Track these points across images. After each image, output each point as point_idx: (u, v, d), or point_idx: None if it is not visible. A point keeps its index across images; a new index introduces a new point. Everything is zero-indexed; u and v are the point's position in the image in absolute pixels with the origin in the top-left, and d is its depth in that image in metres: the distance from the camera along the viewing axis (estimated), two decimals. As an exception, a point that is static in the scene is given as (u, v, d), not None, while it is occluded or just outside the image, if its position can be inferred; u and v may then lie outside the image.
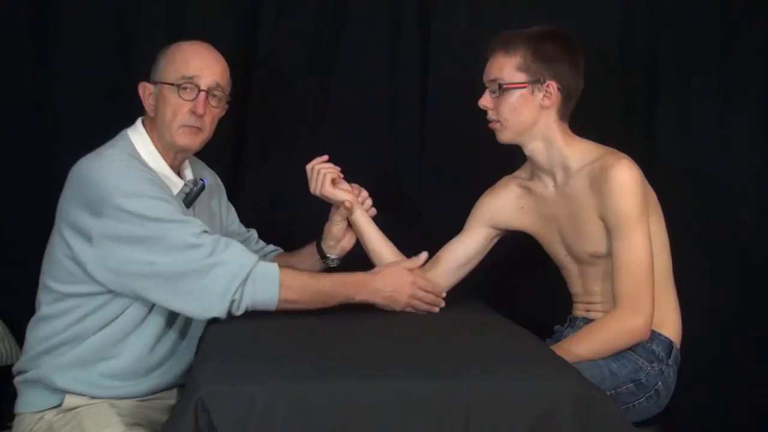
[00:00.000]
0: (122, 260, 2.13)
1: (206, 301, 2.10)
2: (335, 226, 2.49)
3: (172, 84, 2.28)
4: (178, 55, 2.32)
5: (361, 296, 2.24)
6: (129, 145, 2.28)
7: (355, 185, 2.49)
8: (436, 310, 2.32)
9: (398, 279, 2.28)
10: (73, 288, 2.21)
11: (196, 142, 2.32)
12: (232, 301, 2.10)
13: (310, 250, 2.57)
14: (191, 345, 2.28)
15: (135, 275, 2.13)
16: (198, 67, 2.29)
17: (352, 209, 2.45)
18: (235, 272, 2.10)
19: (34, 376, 2.24)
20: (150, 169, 2.27)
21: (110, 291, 2.18)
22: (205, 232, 2.15)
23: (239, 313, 2.12)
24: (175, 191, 2.32)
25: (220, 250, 2.11)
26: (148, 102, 2.33)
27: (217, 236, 2.16)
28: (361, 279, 2.27)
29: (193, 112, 2.27)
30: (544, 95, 2.35)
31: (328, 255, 2.53)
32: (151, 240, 2.11)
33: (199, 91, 2.28)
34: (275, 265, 2.17)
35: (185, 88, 2.28)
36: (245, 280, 2.10)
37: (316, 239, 2.56)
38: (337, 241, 2.51)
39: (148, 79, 2.35)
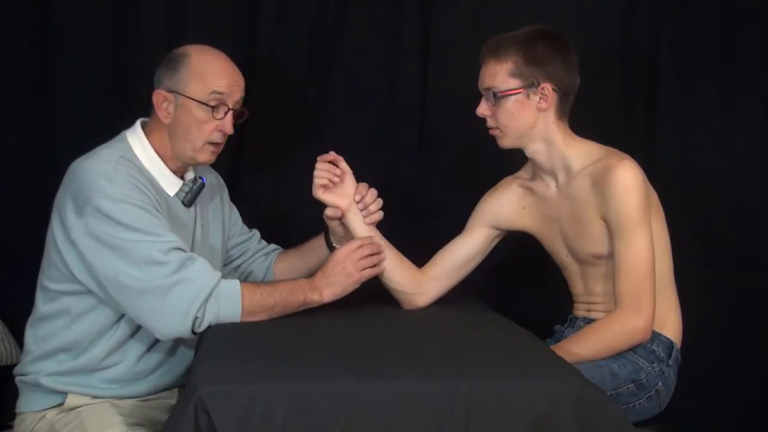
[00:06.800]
0: (95, 260, 2.12)
1: (168, 320, 2.10)
2: (333, 226, 2.46)
3: (201, 101, 2.23)
4: (207, 70, 2.25)
5: (313, 293, 2.22)
6: (125, 147, 2.26)
7: (362, 185, 2.43)
8: (383, 260, 2.35)
9: (334, 258, 2.28)
10: (64, 286, 2.21)
11: (214, 158, 2.32)
12: (195, 319, 2.10)
13: (316, 243, 2.54)
14: (190, 346, 2.28)
15: (105, 279, 2.12)
16: (228, 85, 2.26)
17: (334, 218, 2.41)
18: (198, 290, 2.10)
19: (34, 380, 2.24)
20: (145, 171, 2.25)
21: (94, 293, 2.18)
22: (178, 249, 2.13)
23: (201, 330, 2.12)
24: (173, 192, 2.31)
25: (185, 267, 2.10)
26: (162, 109, 2.27)
27: (188, 254, 2.14)
28: (307, 279, 2.26)
29: (220, 131, 2.26)
30: (540, 98, 2.34)
31: (336, 246, 2.48)
32: (119, 249, 2.10)
33: (228, 109, 2.26)
34: (236, 282, 2.17)
35: (218, 108, 2.25)
36: (207, 298, 2.10)
37: (324, 231, 2.53)
38: (341, 236, 2.47)
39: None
